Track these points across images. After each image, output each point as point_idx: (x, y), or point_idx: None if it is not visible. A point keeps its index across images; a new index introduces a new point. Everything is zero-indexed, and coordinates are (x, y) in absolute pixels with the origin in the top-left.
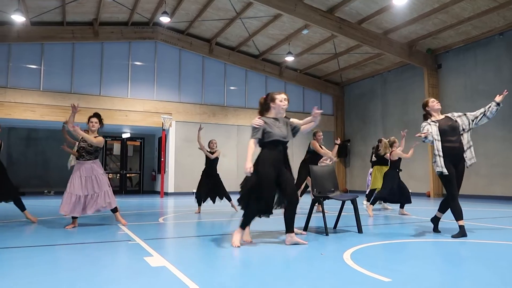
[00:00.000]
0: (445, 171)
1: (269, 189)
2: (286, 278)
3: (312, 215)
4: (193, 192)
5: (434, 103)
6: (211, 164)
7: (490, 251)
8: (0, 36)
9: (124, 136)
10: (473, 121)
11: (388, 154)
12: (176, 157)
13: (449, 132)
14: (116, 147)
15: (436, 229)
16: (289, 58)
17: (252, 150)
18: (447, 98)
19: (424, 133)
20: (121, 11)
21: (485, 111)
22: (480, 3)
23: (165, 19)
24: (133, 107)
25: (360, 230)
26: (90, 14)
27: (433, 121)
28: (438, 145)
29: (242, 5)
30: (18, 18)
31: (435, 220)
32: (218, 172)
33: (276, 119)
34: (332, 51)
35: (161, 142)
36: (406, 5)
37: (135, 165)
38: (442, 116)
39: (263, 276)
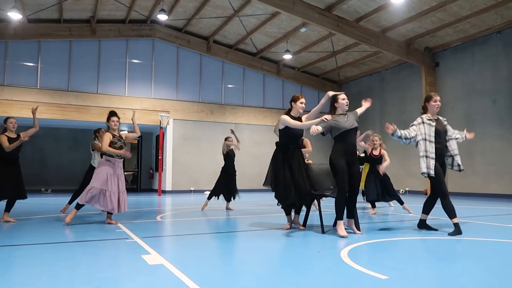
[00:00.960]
0: (432, 173)
1: (344, 176)
2: (283, 275)
3: (310, 212)
4: (191, 190)
5: (435, 104)
6: (230, 161)
7: (486, 249)
8: None
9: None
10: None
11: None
12: (173, 155)
13: (442, 134)
14: None
15: (430, 228)
16: (287, 56)
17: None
18: (444, 97)
19: (393, 128)
20: (119, 8)
21: (458, 138)
22: (477, 1)
23: (162, 17)
24: (131, 105)
25: (357, 228)
26: (87, 12)
27: (430, 119)
28: (430, 146)
29: (240, 2)
30: (14, 15)
31: (423, 224)
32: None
33: (343, 114)
34: (330, 49)
35: (159, 140)
36: (404, 3)
37: (133, 163)
38: (436, 117)
39: (261, 274)
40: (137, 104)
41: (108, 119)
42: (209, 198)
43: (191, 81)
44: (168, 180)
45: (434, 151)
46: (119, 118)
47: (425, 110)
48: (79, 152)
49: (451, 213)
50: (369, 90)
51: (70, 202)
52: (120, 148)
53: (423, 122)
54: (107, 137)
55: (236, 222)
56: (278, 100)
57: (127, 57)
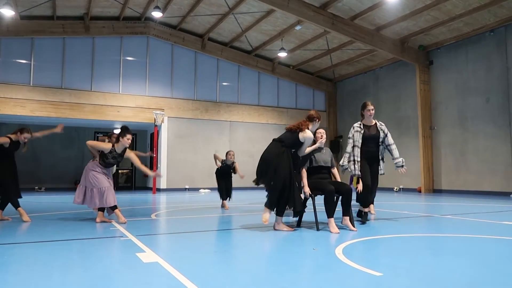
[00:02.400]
0: (358, 173)
1: (321, 182)
2: (278, 273)
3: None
4: (186, 188)
5: (368, 112)
6: (225, 168)
7: (479, 245)
8: None
9: (116, 132)
10: (386, 145)
11: None
12: (168, 153)
13: (370, 139)
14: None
15: (364, 219)
16: (282, 54)
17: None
18: (438, 95)
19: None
20: (113, 5)
21: (394, 158)
22: (471, 0)
23: (157, 14)
24: (125, 103)
25: (352, 225)
26: (81, 8)
27: (360, 127)
28: (357, 151)
29: (235, 0)
30: (7, 12)
31: (360, 213)
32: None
33: (321, 148)
34: (324, 47)
35: (153, 138)
36: (398, 1)
37: (127, 161)
38: (373, 122)
39: (256, 271)
40: (132, 101)
41: (123, 135)
42: (223, 198)
43: (186, 78)
44: (162, 178)
45: (359, 155)
46: (132, 136)
47: (362, 117)
48: (73, 150)
49: (365, 202)
50: (364, 88)
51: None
52: (111, 165)
53: (355, 131)
54: (105, 145)
55: (231, 220)
56: (273, 98)
57: (121, 54)
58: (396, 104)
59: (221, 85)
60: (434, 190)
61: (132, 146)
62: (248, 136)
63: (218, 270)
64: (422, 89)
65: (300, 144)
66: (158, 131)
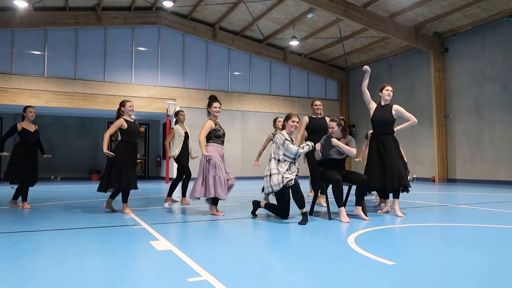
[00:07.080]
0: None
1: (331, 172)
2: (290, 261)
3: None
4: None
5: (293, 124)
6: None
7: (493, 235)
8: (3, 22)
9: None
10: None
11: None
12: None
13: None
14: None
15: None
16: (294, 43)
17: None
18: (453, 83)
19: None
20: None
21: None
22: None
23: (168, 4)
24: (138, 93)
25: (365, 214)
26: None
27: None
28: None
29: None
30: (20, 4)
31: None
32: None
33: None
34: (337, 35)
35: (166, 128)
36: None
37: (140, 150)
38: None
39: (268, 260)
40: (144, 92)
41: (210, 104)
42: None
43: (198, 68)
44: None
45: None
46: (220, 104)
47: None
48: (87, 140)
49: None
50: (377, 76)
51: (170, 194)
52: (223, 135)
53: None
54: (208, 125)
55: (243, 209)
56: (285, 87)
57: (133, 44)
58: (410, 93)
59: (232, 75)
60: (448, 180)
61: (145, 136)
62: (259, 125)
63: (231, 258)
64: (437, 77)
65: None
66: (170, 121)
